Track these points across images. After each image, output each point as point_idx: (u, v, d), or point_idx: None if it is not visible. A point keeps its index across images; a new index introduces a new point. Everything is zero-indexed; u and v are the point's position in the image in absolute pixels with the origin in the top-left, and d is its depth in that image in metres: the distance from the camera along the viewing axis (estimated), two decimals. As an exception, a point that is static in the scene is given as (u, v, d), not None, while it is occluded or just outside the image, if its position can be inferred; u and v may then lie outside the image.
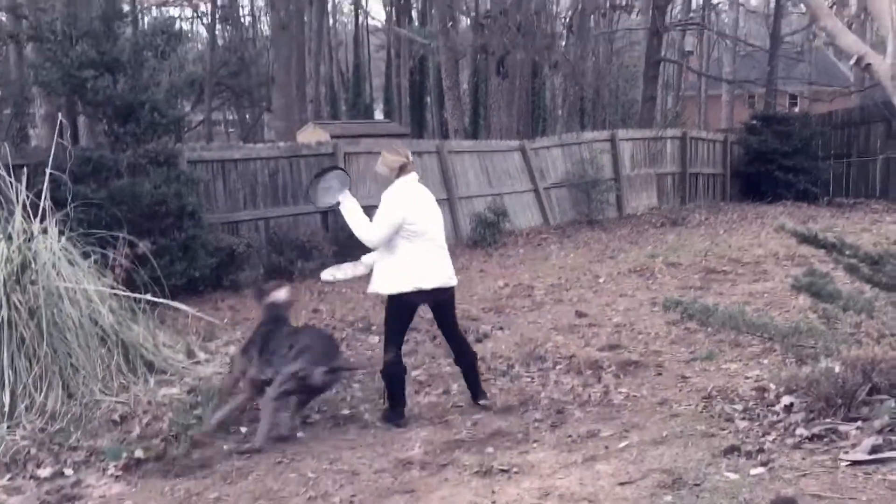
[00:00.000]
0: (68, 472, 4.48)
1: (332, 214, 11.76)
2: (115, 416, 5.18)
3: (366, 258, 5.39)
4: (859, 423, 3.81)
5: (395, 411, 5.12)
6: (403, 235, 4.90)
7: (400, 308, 5.03)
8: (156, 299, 6.38)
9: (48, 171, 6.44)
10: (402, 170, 5.00)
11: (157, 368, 6.00)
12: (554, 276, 10.12)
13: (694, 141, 18.54)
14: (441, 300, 5.11)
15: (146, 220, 8.84)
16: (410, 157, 5.04)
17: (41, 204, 5.95)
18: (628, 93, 32.83)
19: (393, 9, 36.12)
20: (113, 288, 6.16)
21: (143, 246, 7.09)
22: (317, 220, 11.63)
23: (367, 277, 5.41)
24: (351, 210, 5.11)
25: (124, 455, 4.59)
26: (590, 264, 11.05)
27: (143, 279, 6.55)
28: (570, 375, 5.87)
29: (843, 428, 3.79)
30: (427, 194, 5.10)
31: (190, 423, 5.07)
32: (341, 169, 5.70)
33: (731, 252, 11.26)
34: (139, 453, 4.62)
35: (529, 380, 5.87)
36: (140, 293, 6.37)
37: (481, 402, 5.28)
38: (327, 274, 5.71)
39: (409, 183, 5.00)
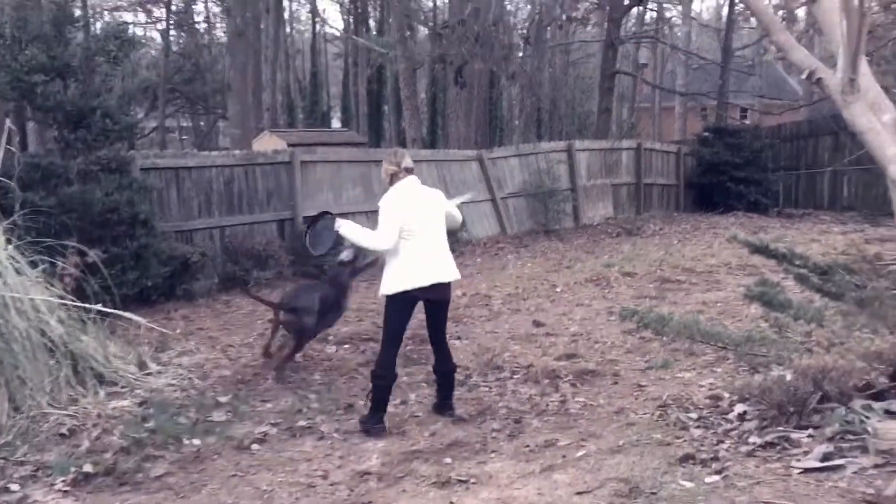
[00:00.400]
0: (14, 487, 4.34)
1: (288, 223, 11.67)
2: (64, 430, 5.05)
3: None
4: (811, 430, 3.87)
5: (374, 416, 5.11)
6: (402, 237, 5.06)
7: (399, 307, 5.10)
8: (106, 310, 6.25)
9: (-5, 177, 6.29)
10: (393, 177, 5.22)
11: (108, 380, 5.86)
12: (511, 286, 10.15)
13: (648, 152, 18.80)
14: (437, 298, 5.15)
15: (97, 229, 8.66)
16: (403, 164, 5.21)
17: (-13, 212, 5.79)
18: (584, 104, 33.21)
19: (351, 18, 36.08)
20: (62, 298, 6.02)
21: (94, 255, 6.93)
22: (273, 228, 11.52)
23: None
24: (350, 229, 5.36)
25: (73, 469, 4.46)
26: (547, 274, 11.11)
27: (94, 289, 6.41)
28: (527, 385, 5.88)
29: (795, 436, 3.85)
30: (422, 195, 5.21)
31: (141, 435, 4.96)
32: (324, 213, 5.98)
33: (685, 262, 11.43)
34: (88, 467, 4.49)
35: (487, 389, 5.86)
36: (90, 303, 6.23)
37: (448, 415, 5.25)
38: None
39: (401, 188, 5.16)
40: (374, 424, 5.07)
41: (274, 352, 6.50)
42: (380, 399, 5.13)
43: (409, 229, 5.04)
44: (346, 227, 5.35)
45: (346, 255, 6.51)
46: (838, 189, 18.43)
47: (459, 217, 5.48)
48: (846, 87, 2.70)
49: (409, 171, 5.23)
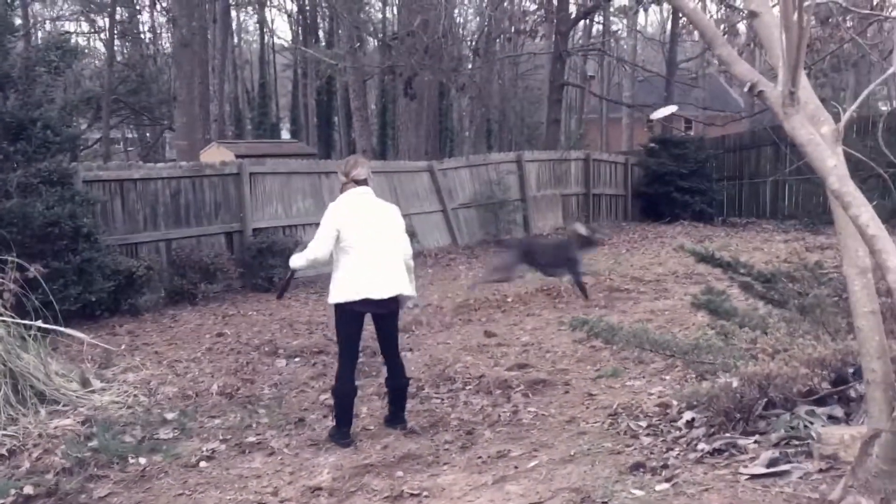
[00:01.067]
0: (-51, 512, 4.19)
1: (237, 235, 11.53)
2: (3, 451, 4.90)
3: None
4: (757, 436, 3.94)
5: (340, 430, 5.08)
6: (340, 248, 5.01)
7: (344, 319, 5.05)
8: (48, 326, 6.08)
9: (-71, 191, 6.09)
10: (343, 187, 5.18)
11: (49, 399, 5.70)
12: (462, 297, 10.16)
13: (597, 163, 19.04)
14: (380, 311, 5.09)
15: (38, 243, 8.43)
16: (351, 175, 5.11)
17: (-79, 226, 5.60)
18: (533, 115, 33.55)
19: (299, 28, 35.93)
20: (0, 314, 5.84)
21: (34, 269, 6.74)
22: (221, 241, 11.36)
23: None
24: (295, 260, 5.31)
25: (13, 491, 4.32)
26: (497, 284, 11.14)
27: (35, 304, 6.24)
28: (479, 396, 5.88)
29: (741, 442, 3.91)
30: (368, 207, 5.10)
31: (84, 455, 4.83)
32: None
33: (634, 271, 11.58)
34: (29, 489, 4.36)
35: (439, 401, 5.85)
36: (31, 319, 6.06)
37: (399, 428, 5.23)
38: None
39: (346, 198, 5.10)
40: (339, 440, 5.03)
41: None
42: (340, 414, 5.10)
43: (350, 241, 4.98)
44: (293, 261, 5.30)
45: (581, 229, 9.92)
46: (780, 198, 18.89)
47: (409, 251, 5.28)
48: (786, 99, 2.76)
49: (358, 181, 5.11)
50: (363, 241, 4.98)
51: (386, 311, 5.12)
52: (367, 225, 5.03)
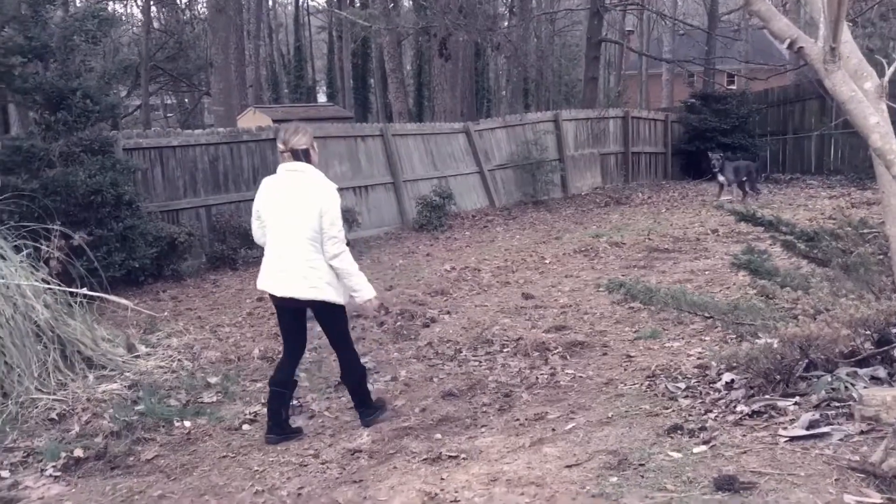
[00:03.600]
0: (5, 473, 4.34)
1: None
2: (53, 415, 5.05)
3: None
4: (797, 398, 3.89)
5: (267, 424, 4.70)
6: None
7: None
8: (93, 293, 6.22)
9: (-25, 162, 6.22)
10: (280, 157, 4.55)
11: (96, 364, 5.84)
12: (500, 259, 10.15)
13: (636, 120, 18.75)
14: (286, 306, 4.56)
15: (81, 211, 8.60)
16: (290, 144, 4.43)
17: (-32, 197, 5.74)
18: (570, 73, 33.06)
19: (334, -10, 35.64)
20: (47, 282, 5.98)
21: (79, 237, 6.90)
22: (260, 206, 11.44)
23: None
24: None
25: (63, 454, 4.47)
26: (535, 245, 11.11)
27: (80, 272, 6.38)
28: (517, 358, 5.89)
29: (781, 404, 3.86)
30: (287, 189, 4.42)
31: (131, 418, 4.96)
32: None
33: (673, 230, 11.45)
34: (79, 452, 4.50)
35: (477, 364, 5.88)
36: (76, 286, 6.20)
37: (364, 423, 4.79)
38: None
39: (271, 176, 4.57)
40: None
41: None
42: (268, 406, 4.75)
43: (266, 224, 4.51)
44: None
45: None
46: (825, 153, 18.44)
47: (333, 249, 4.42)
48: (827, 55, 2.67)
49: (295, 152, 4.41)
50: (272, 228, 4.48)
51: (291, 306, 4.54)
52: (278, 210, 4.44)
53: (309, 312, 4.68)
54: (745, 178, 14.61)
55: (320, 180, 4.46)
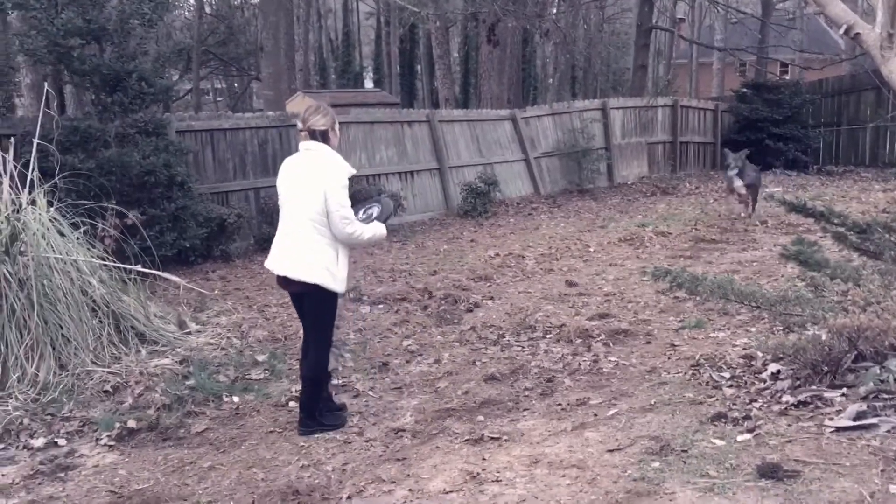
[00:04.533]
0: (61, 441, 4.51)
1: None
2: (108, 387, 5.21)
3: None
4: (844, 389, 3.86)
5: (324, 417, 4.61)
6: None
7: None
8: (146, 270, 6.38)
9: (35, 141, 6.41)
10: (298, 136, 4.56)
11: (149, 339, 6.01)
12: (544, 246, 10.14)
13: (685, 109, 18.50)
14: (287, 289, 4.54)
15: (135, 191, 8.80)
16: (308, 124, 4.39)
17: (29, 175, 5.92)
18: (619, 61, 32.72)
19: (382, -25, 35.70)
20: (103, 259, 6.16)
21: (133, 216, 7.08)
22: (307, 190, 11.58)
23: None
24: None
25: (117, 425, 4.62)
26: (580, 234, 11.07)
27: (134, 250, 6.54)
28: (560, 344, 5.91)
29: (828, 395, 3.84)
30: (301, 169, 4.40)
31: (182, 393, 5.10)
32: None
33: (721, 221, 11.32)
34: (132, 423, 4.65)
35: (520, 349, 5.91)
36: (130, 264, 6.37)
37: (301, 432, 4.49)
38: None
39: (291, 156, 4.59)
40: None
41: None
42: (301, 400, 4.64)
43: (280, 201, 4.51)
44: None
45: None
46: (880, 145, 18.00)
47: (344, 231, 4.30)
48: (884, 41, 2.63)
49: (313, 132, 4.37)
50: (282, 207, 4.47)
51: (290, 290, 4.50)
52: (288, 190, 4.43)
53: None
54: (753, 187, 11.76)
55: (330, 161, 4.35)
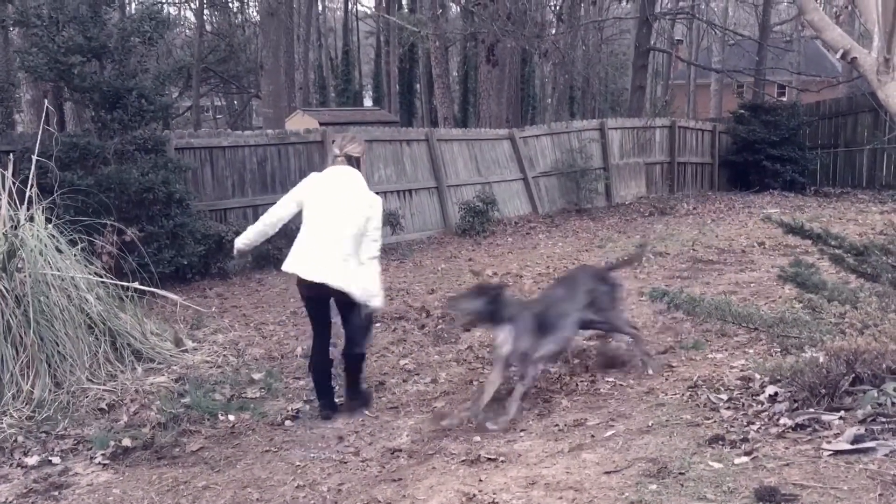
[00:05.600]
0: (55, 460, 4.48)
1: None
2: (103, 405, 5.19)
3: None
4: (842, 412, 3.84)
5: (320, 402, 5.10)
6: (303, 219, 4.96)
7: (299, 291, 5.08)
8: (143, 287, 6.37)
9: (34, 157, 6.42)
10: (333, 160, 5.05)
11: (145, 357, 5.99)
12: (542, 265, 10.14)
13: (682, 130, 18.59)
14: (314, 294, 4.94)
15: (134, 208, 8.81)
16: (345, 150, 4.95)
17: (27, 191, 5.92)
18: (617, 81, 32.89)
19: (382, -5, 35.91)
20: (100, 276, 6.15)
21: (131, 233, 7.08)
22: (305, 207, 11.60)
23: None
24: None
25: (112, 443, 4.59)
26: (578, 253, 11.08)
27: (131, 266, 6.55)
28: (557, 364, 5.88)
29: (826, 417, 3.82)
30: (337, 186, 4.88)
31: (178, 411, 5.08)
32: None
33: (719, 242, 11.33)
34: (127, 441, 4.62)
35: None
36: (128, 281, 6.36)
37: (350, 407, 5.14)
38: None
39: (324, 172, 5.01)
40: (322, 412, 5.06)
41: None
42: (317, 385, 5.14)
43: (307, 214, 4.91)
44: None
45: None
46: (877, 167, 18.08)
47: (373, 249, 4.91)
48: (881, 66, 2.65)
49: (350, 159, 4.95)
50: (315, 219, 4.86)
51: (317, 294, 4.91)
52: (326, 205, 4.85)
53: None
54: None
55: (366, 187, 4.94)
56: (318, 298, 4.96)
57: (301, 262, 4.85)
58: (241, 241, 5.25)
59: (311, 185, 4.95)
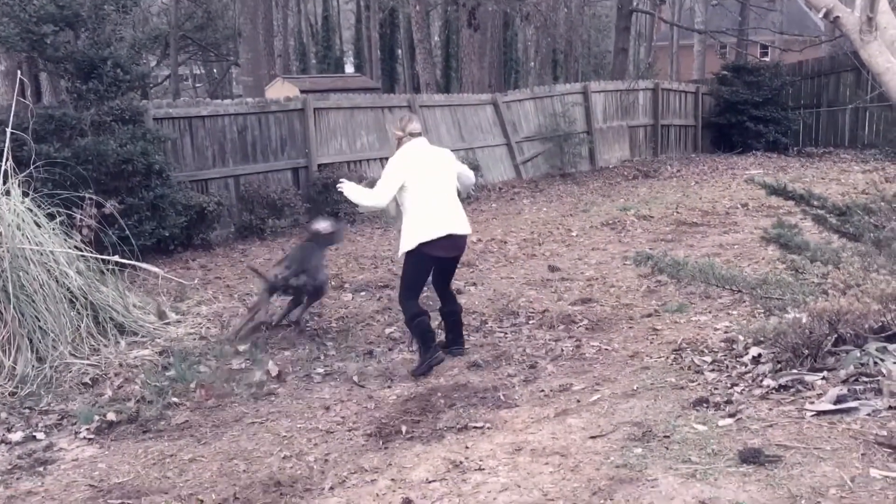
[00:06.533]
0: (40, 435, 4.45)
1: (303, 171, 11.67)
2: (87, 379, 5.16)
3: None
4: (825, 373, 3.88)
5: (428, 352, 5.22)
6: (408, 197, 5.18)
7: (416, 261, 5.22)
8: (124, 260, 6.30)
9: (9, 130, 6.30)
10: (400, 142, 5.35)
11: (128, 330, 5.95)
12: (527, 231, 10.14)
13: (666, 92, 18.51)
14: (452, 253, 5.30)
15: (113, 180, 8.70)
16: (408, 130, 5.30)
17: (3, 164, 5.82)
18: (600, 44, 32.67)
19: (361, -42, 35.38)
20: (80, 249, 6.07)
21: (110, 206, 6.98)
22: (287, 177, 11.52)
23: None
24: (350, 189, 5.38)
25: (96, 418, 4.57)
26: (562, 218, 11.07)
27: (112, 240, 6.46)
28: (542, 330, 5.91)
29: (809, 378, 3.85)
30: (429, 155, 5.30)
31: (162, 384, 5.05)
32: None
33: (702, 204, 11.35)
34: (111, 416, 4.60)
35: (503, 335, 5.90)
36: (108, 254, 6.29)
37: (456, 352, 5.49)
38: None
39: (407, 149, 5.27)
40: (431, 357, 5.20)
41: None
42: (423, 337, 5.25)
43: (416, 188, 5.16)
44: (346, 187, 5.41)
45: (323, 226, 6.41)
46: (860, 126, 18.10)
47: (472, 178, 5.62)
48: (864, 26, 2.62)
49: (414, 135, 5.32)
50: (430, 187, 5.18)
51: (457, 252, 5.34)
52: (432, 172, 5.23)
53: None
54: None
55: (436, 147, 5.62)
56: (456, 258, 5.43)
57: (449, 221, 5.18)
58: (357, 197, 5.37)
59: (410, 166, 5.18)
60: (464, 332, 5.70)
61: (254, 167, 11.11)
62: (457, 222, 5.26)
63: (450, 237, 5.16)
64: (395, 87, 31.57)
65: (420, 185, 5.17)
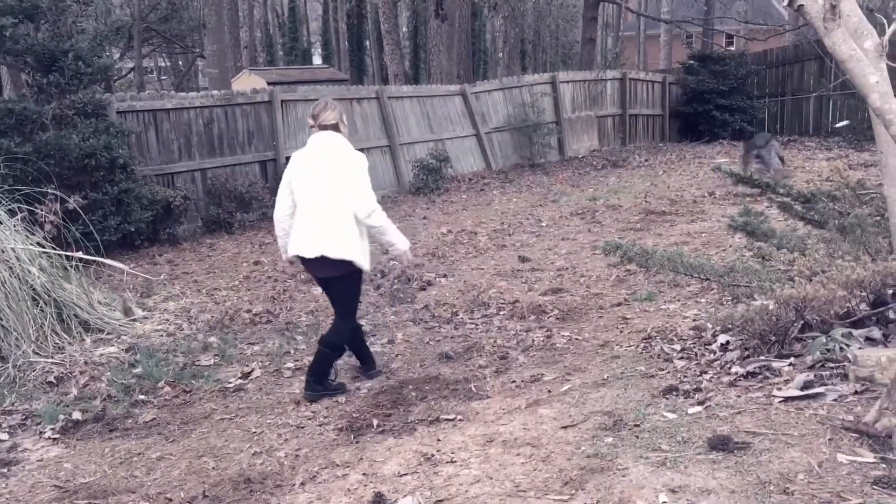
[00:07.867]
0: (3, 436, 4.36)
1: (271, 164, 11.56)
2: (51, 378, 5.07)
3: None
4: (792, 359, 3.91)
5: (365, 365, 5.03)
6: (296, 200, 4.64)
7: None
8: (88, 256, 6.20)
9: (-34, 125, 6.16)
10: (310, 132, 4.72)
11: (93, 327, 5.86)
12: (497, 222, 10.14)
13: (633, 82, 18.61)
14: (314, 274, 4.72)
15: (76, 175, 8.55)
16: (319, 120, 4.57)
17: (-40, 160, 5.69)
18: (568, 34, 32.75)
19: (328, -52, 35.13)
20: (43, 246, 5.96)
21: (74, 201, 6.87)
22: (255, 170, 11.41)
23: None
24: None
25: (62, 417, 4.49)
26: (532, 208, 11.09)
27: (75, 236, 6.36)
28: (513, 321, 5.91)
29: (776, 365, 3.88)
30: (318, 157, 4.53)
31: (129, 381, 4.98)
32: None
33: (670, 193, 11.43)
34: (77, 415, 4.53)
35: (473, 326, 5.89)
36: (72, 250, 6.18)
37: (308, 396, 4.70)
38: None
39: (302, 149, 4.68)
40: (367, 371, 5.00)
41: None
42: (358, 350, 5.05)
43: (297, 194, 4.58)
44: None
45: None
46: (824, 114, 18.33)
47: (365, 209, 4.50)
48: (827, 13, 2.63)
49: (325, 127, 4.57)
50: (303, 195, 4.55)
51: (317, 275, 4.68)
52: (311, 178, 4.52)
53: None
54: None
55: (347, 147, 4.60)
56: (325, 280, 4.66)
57: (299, 241, 4.53)
58: (285, 258, 4.81)
59: (292, 167, 4.60)
60: (434, 325, 5.68)
61: (221, 160, 10.99)
62: (308, 244, 4.49)
63: (305, 259, 4.56)
64: (363, 78, 31.40)
65: (298, 191, 4.57)
